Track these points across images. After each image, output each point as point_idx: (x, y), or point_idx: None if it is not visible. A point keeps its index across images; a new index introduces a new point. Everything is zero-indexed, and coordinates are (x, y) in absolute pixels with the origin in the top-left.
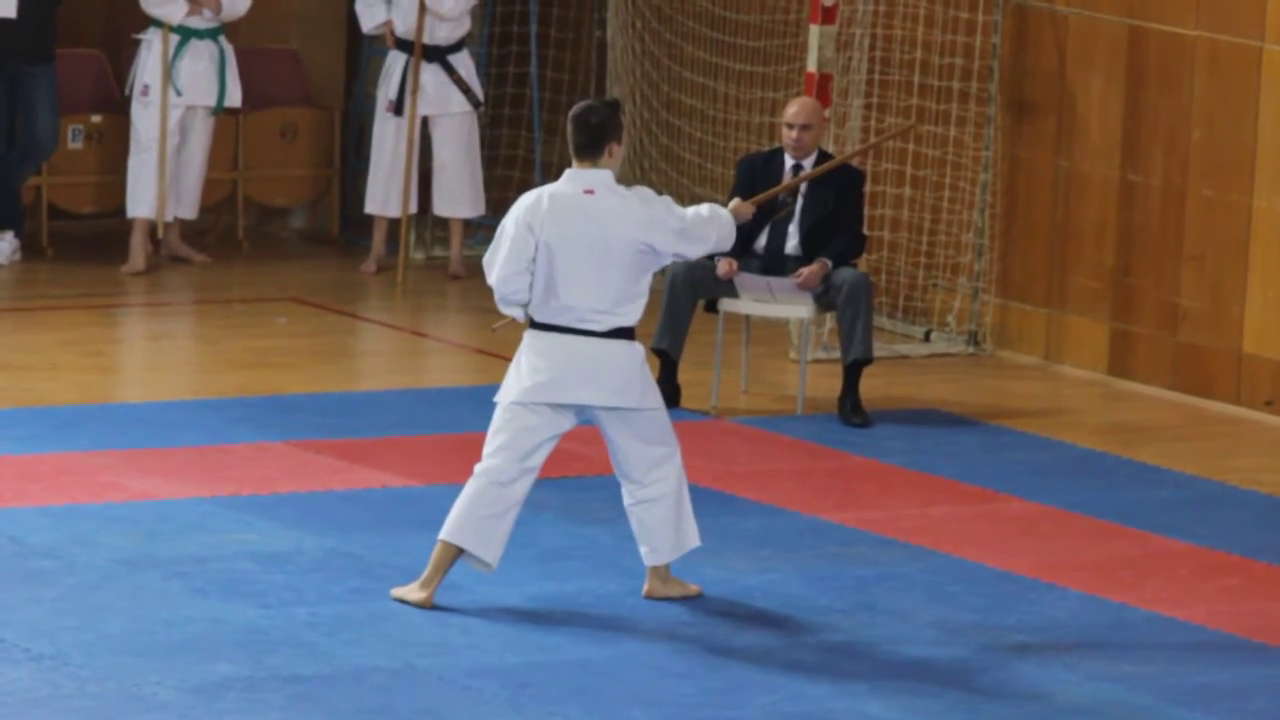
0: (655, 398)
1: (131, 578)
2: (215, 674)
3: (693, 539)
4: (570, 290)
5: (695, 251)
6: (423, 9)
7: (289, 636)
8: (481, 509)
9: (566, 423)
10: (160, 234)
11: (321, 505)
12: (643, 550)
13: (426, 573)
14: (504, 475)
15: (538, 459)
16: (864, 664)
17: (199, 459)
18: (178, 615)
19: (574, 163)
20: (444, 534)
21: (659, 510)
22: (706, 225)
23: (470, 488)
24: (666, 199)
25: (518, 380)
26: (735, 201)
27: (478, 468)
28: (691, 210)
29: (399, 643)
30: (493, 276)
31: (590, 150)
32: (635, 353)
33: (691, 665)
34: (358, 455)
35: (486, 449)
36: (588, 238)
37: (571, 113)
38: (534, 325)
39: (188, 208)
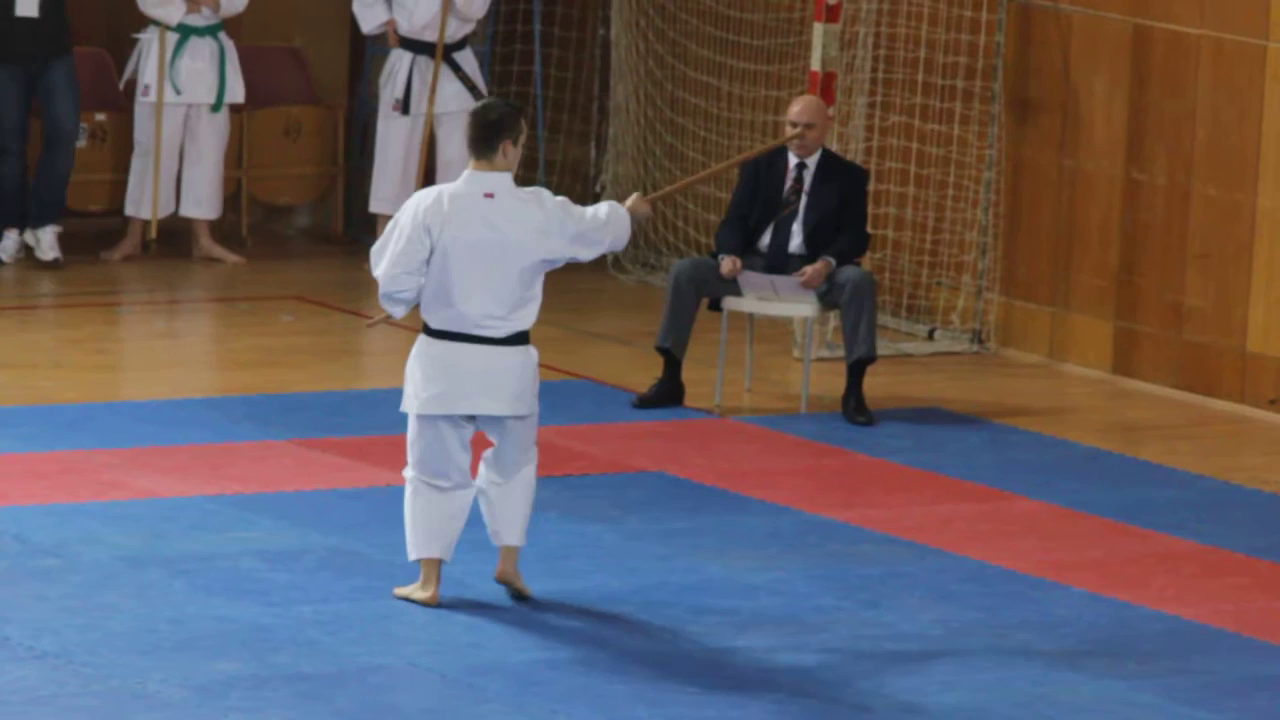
0: (536, 403)
1: (136, 576)
2: (220, 672)
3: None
4: (466, 297)
5: (590, 254)
6: (446, 7)
7: (293, 635)
8: (436, 515)
9: (470, 426)
10: (153, 234)
11: (326, 504)
12: (492, 530)
13: (422, 578)
14: (440, 483)
15: (463, 463)
16: (868, 662)
17: (203, 457)
18: (182, 613)
19: (471, 162)
20: (418, 555)
21: (513, 496)
22: (603, 229)
23: (416, 502)
24: (564, 200)
25: (415, 391)
26: (634, 198)
27: (409, 478)
28: (590, 211)
29: (403, 641)
30: (379, 270)
31: (484, 146)
32: (531, 359)
33: (695, 663)
34: (362, 453)
35: (410, 458)
36: (486, 243)
37: (473, 113)
38: (427, 331)
39: (207, 207)
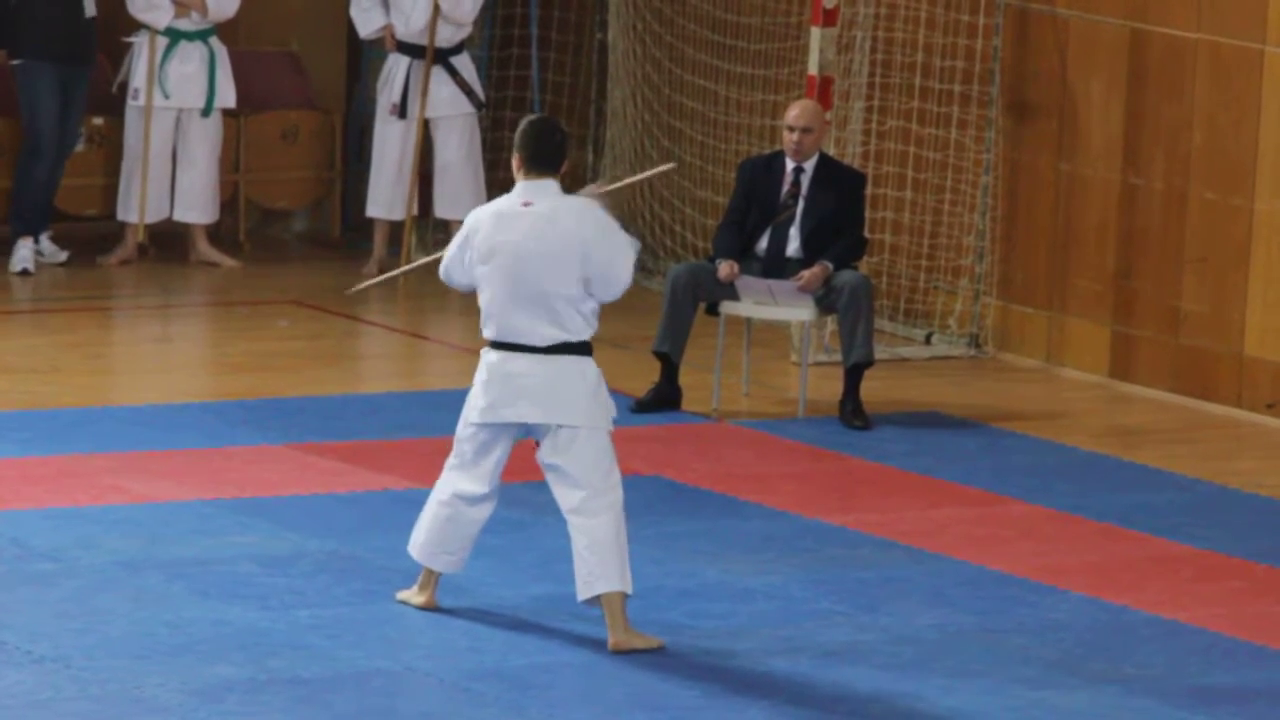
0: (600, 420)
1: (133, 580)
2: (217, 676)
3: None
4: (510, 307)
5: (606, 292)
6: (436, 11)
7: (290, 639)
8: (455, 530)
9: (510, 440)
10: (141, 237)
11: (323, 508)
12: (582, 581)
13: (420, 581)
14: (473, 491)
15: (498, 477)
16: (865, 667)
17: (200, 461)
18: (179, 617)
19: (523, 172)
20: (423, 562)
21: (599, 534)
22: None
23: (442, 511)
24: (605, 225)
25: (473, 401)
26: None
27: (442, 487)
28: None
29: (401, 645)
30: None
31: (547, 164)
32: (585, 370)
33: (693, 668)
34: (359, 458)
35: (453, 460)
36: (520, 253)
37: (537, 125)
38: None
39: (201, 212)
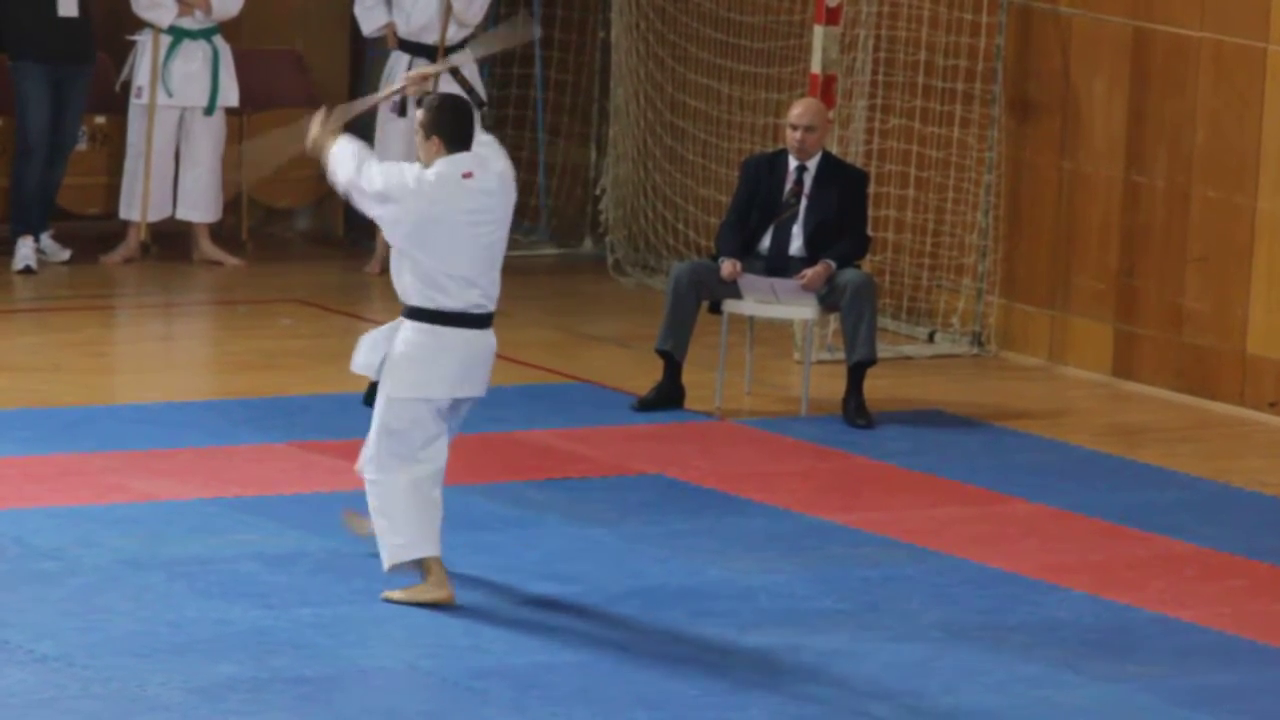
0: None
1: (136, 579)
2: (219, 675)
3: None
4: (458, 279)
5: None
6: (449, 12)
7: (293, 637)
8: (427, 510)
9: (452, 412)
10: (144, 236)
11: (325, 506)
12: None
13: (432, 580)
14: (422, 471)
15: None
16: (868, 665)
17: (203, 460)
18: (182, 616)
19: (444, 149)
20: (417, 555)
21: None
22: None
23: (403, 500)
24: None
25: (412, 377)
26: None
27: (389, 481)
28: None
29: (403, 644)
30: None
31: (469, 139)
32: (494, 342)
33: (695, 666)
34: None
35: (389, 451)
36: (472, 222)
37: (454, 104)
38: (419, 315)
39: (204, 210)
